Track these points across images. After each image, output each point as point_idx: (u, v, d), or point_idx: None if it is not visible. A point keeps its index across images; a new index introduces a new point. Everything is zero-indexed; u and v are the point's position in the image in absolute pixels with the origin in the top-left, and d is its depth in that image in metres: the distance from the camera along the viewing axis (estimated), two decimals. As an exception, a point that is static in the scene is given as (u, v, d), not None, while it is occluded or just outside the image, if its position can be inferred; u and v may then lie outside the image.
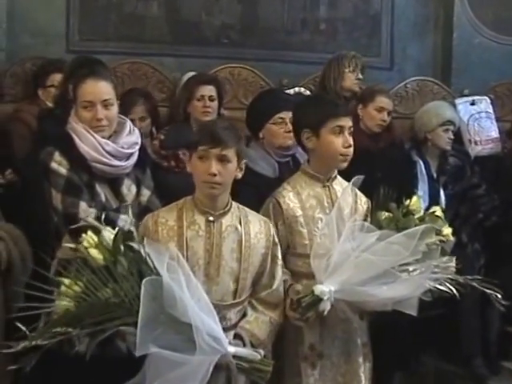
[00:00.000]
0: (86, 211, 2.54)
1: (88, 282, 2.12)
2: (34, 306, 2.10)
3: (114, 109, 2.70)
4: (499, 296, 2.57)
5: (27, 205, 3.03)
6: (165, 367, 2.11)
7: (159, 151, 3.48)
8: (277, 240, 2.49)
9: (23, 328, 2.06)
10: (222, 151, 2.29)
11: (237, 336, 2.36)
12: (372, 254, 2.43)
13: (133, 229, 2.31)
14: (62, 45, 4.34)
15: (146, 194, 2.75)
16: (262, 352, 2.32)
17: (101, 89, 2.66)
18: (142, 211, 2.64)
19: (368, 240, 2.47)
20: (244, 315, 2.43)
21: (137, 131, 2.81)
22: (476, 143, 4.39)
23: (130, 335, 2.15)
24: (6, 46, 4.19)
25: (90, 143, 2.63)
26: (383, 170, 3.59)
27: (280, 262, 2.50)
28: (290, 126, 3.04)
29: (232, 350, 2.23)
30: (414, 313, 2.50)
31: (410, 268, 2.48)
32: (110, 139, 2.68)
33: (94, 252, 2.16)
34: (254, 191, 2.85)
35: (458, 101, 4.45)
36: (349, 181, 2.69)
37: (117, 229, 2.26)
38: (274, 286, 2.47)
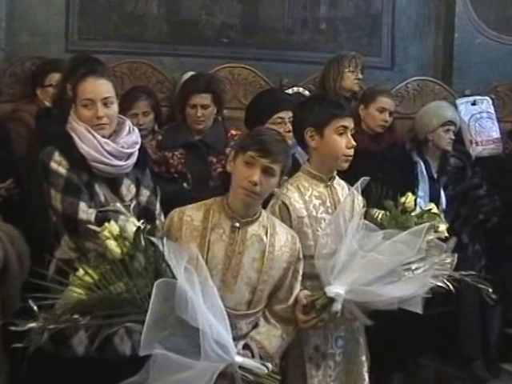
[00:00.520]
0: (86, 211, 2.52)
1: (101, 275, 2.07)
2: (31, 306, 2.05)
3: (114, 107, 2.68)
4: (490, 290, 2.56)
5: (26, 205, 3.02)
6: (168, 369, 2.06)
7: (155, 152, 3.44)
8: (301, 255, 2.43)
9: (34, 307, 2.00)
10: (271, 164, 2.25)
11: (246, 346, 2.30)
12: (379, 254, 2.41)
13: (158, 223, 2.26)
14: (61, 44, 4.33)
15: (145, 194, 2.73)
16: (269, 366, 2.23)
17: (101, 87, 2.64)
18: (141, 211, 2.61)
19: (374, 239, 2.45)
20: (256, 325, 2.37)
21: (136, 131, 2.79)
22: (477, 144, 4.38)
23: (136, 333, 2.12)
24: (5, 46, 4.18)
25: (90, 143, 2.61)
26: (384, 171, 3.57)
27: (300, 277, 2.44)
28: (289, 126, 3.03)
29: (239, 360, 2.16)
30: (419, 311, 2.48)
31: (413, 266, 2.46)
32: (110, 139, 2.66)
33: (112, 244, 2.10)
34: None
35: (459, 101, 4.45)
36: (348, 181, 2.68)
37: (141, 221, 2.20)
38: (290, 302, 2.41)
